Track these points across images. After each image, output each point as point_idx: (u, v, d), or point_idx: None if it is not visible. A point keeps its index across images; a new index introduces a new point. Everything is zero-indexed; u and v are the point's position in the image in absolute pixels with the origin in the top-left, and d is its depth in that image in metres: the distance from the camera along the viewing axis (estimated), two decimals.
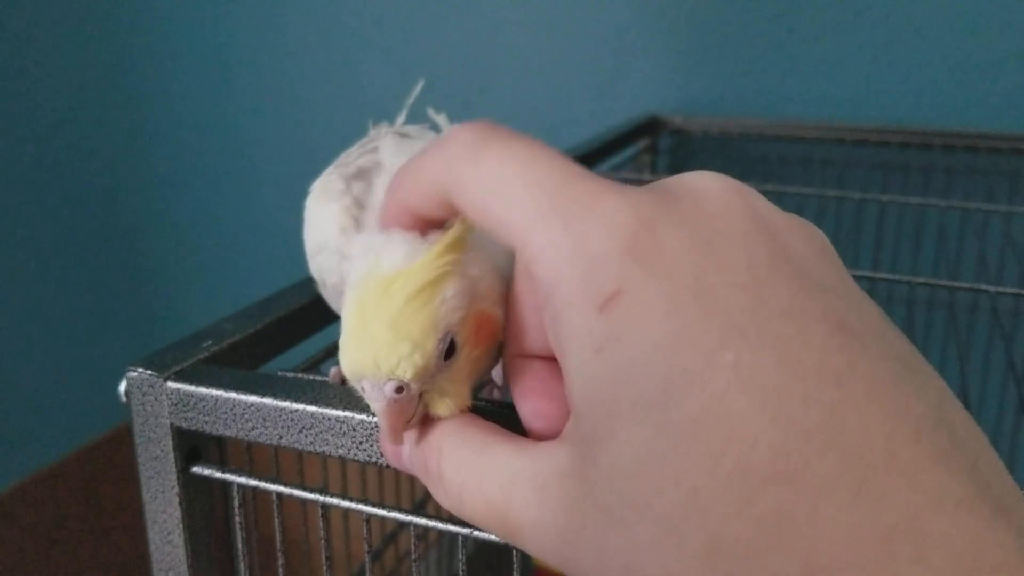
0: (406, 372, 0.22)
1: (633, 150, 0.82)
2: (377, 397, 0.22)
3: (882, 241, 0.69)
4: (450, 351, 0.23)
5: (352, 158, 0.32)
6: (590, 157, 0.72)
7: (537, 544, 0.19)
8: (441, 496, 0.21)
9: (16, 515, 1.08)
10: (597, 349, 0.17)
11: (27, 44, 1.11)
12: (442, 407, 0.23)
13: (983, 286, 0.47)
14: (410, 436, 0.23)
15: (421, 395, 0.23)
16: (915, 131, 0.79)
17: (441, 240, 0.22)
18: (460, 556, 0.31)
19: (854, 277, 0.20)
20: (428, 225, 0.24)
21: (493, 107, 0.97)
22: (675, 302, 0.17)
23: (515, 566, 0.31)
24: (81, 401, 1.16)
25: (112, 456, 1.18)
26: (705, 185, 0.19)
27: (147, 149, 1.22)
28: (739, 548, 0.15)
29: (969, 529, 0.14)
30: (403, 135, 0.32)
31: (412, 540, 0.31)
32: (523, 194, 0.19)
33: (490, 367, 0.25)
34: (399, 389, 0.22)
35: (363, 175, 0.30)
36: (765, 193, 0.21)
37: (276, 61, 1.11)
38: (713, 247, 0.17)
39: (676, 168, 0.87)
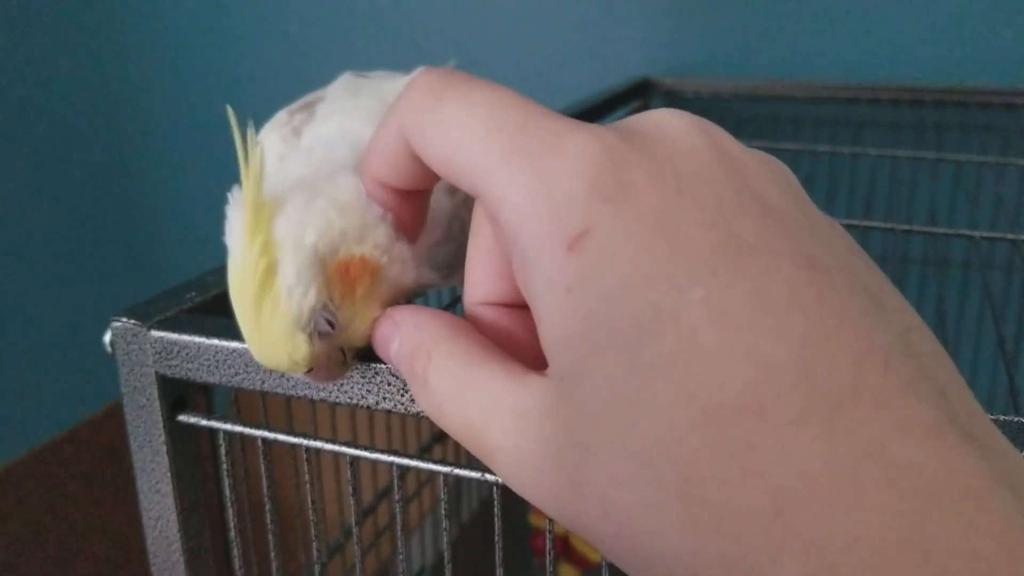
0: (298, 366, 0.24)
1: (624, 112, 0.82)
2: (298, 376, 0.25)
3: (874, 195, 0.69)
4: (329, 323, 0.23)
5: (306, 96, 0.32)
6: (581, 119, 0.71)
7: (510, 472, 0.19)
8: (422, 401, 0.21)
9: (13, 492, 1.08)
10: (567, 289, 0.17)
11: None
12: (361, 340, 0.24)
13: (973, 232, 0.47)
14: (399, 331, 0.22)
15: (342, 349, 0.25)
16: (906, 88, 0.78)
17: (244, 227, 0.23)
18: (442, 496, 0.31)
19: (845, 226, 0.20)
20: (408, 200, 0.24)
21: (484, 70, 0.97)
22: (644, 240, 0.17)
23: (496, 526, 0.31)
24: (76, 377, 1.17)
25: (108, 432, 1.19)
26: (670, 123, 0.19)
27: (134, 107, 1.22)
28: (713, 481, 0.15)
29: (938, 455, 0.15)
30: (360, 75, 0.32)
31: (395, 481, 0.31)
32: (485, 139, 0.19)
33: (397, 284, 0.25)
34: (308, 370, 0.24)
35: (307, 107, 0.30)
36: (756, 149, 0.20)
37: (270, 13, 1.10)
38: (680, 185, 0.17)
39: None
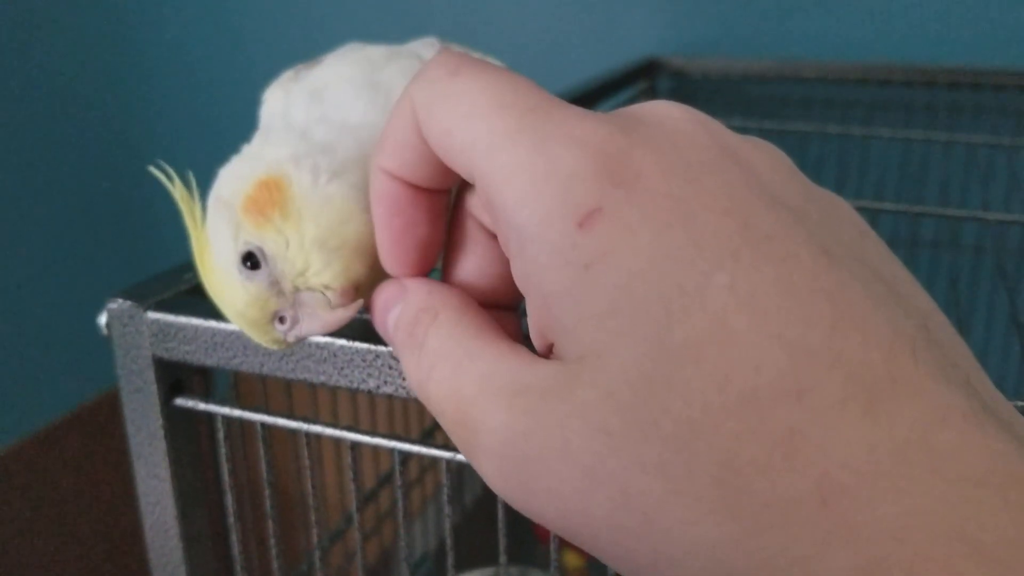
0: (259, 320, 0.24)
1: (631, 93, 0.81)
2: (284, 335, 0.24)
3: (885, 178, 0.68)
4: (252, 260, 0.23)
5: None
6: (586, 100, 0.70)
7: (492, 457, 0.18)
8: (411, 367, 0.20)
9: (8, 480, 1.08)
10: (586, 265, 0.17)
11: None
12: (328, 273, 0.24)
13: (986, 214, 0.46)
14: (406, 295, 0.21)
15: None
16: (918, 69, 0.77)
17: (183, 210, 0.25)
18: (445, 482, 0.30)
19: (855, 209, 0.19)
20: (420, 203, 0.21)
21: (488, 48, 0.96)
22: (661, 224, 0.16)
23: (500, 513, 0.31)
24: (71, 364, 1.16)
25: (106, 419, 1.18)
26: (670, 114, 0.19)
27: (135, 88, 1.21)
28: (753, 467, 0.15)
29: (977, 441, 0.14)
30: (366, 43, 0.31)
31: (397, 467, 0.31)
32: (491, 115, 0.18)
33: (329, 197, 0.24)
34: (281, 320, 0.24)
35: (313, 65, 0.29)
36: (765, 131, 0.20)
37: None
38: (690, 174, 0.17)
39: None
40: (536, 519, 0.17)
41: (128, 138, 1.23)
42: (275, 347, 0.25)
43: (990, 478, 0.14)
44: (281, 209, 0.23)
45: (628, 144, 0.17)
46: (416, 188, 0.21)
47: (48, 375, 1.16)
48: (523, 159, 0.17)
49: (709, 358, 0.15)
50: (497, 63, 0.32)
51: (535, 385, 0.17)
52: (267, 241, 0.23)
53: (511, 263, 0.18)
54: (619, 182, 0.17)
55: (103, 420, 1.18)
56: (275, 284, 0.23)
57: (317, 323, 0.24)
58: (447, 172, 0.20)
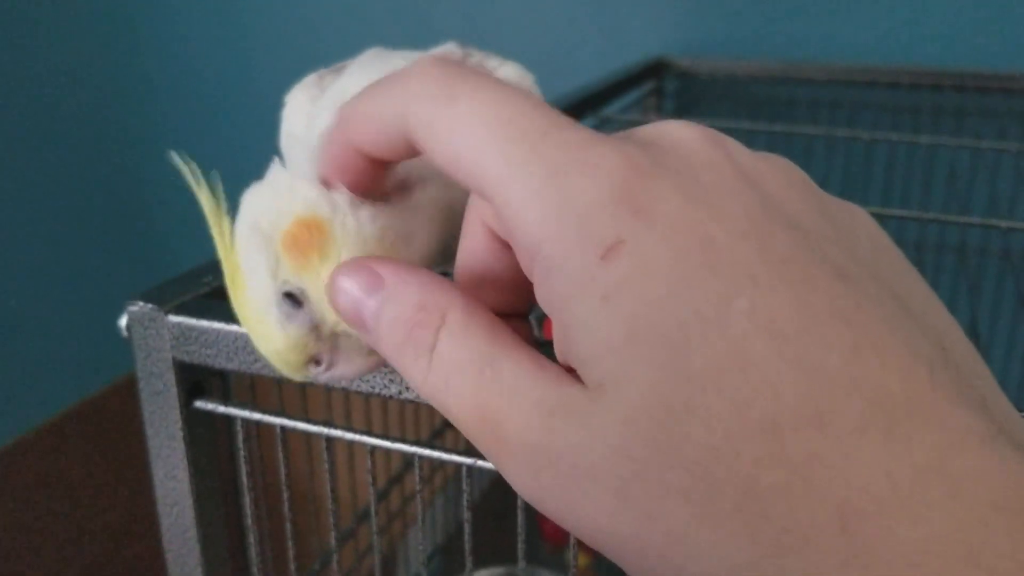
0: (293, 362, 0.23)
1: (638, 93, 0.81)
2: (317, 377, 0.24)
3: (892, 181, 0.68)
4: (293, 299, 0.22)
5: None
6: (594, 100, 0.71)
7: (522, 467, 0.18)
8: (417, 373, 0.19)
9: (19, 470, 1.08)
10: (604, 297, 0.17)
11: None
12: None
13: (994, 221, 0.46)
14: (387, 286, 0.20)
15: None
16: (926, 71, 0.77)
17: (210, 220, 0.23)
18: (465, 487, 0.31)
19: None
20: (373, 167, 0.22)
21: (495, 49, 0.96)
22: (680, 251, 0.16)
23: (519, 518, 0.31)
24: (83, 351, 1.16)
25: (117, 408, 1.19)
26: (684, 136, 0.19)
27: (145, 79, 1.21)
28: (774, 493, 0.15)
29: (994, 464, 0.15)
30: (389, 49, 0.31)
31: (417, 471, 0.31)
32: (502, 142, 0.18)
33: (367, 243, 0.23)
34: (316, 362, 0.23)
35: (337, 70, 0.29)
36: (773, 134, 0.20)
37: None
38: (707, 198, 0.17)
39: (683, 111, 0.86)
40: (570, 531, 0.18)
41: (129, 129, 1.23)
42: (300, 379, 0.25)
43: (1007, 503, 0.14)
44: (320, 251, 0.23)
45: (645, 170, 0.17)
46: (373, 159, 0.22)
47: (55, 367, 1.16)
48: (539, 191, 0.17)
49: (729, 384, 0.15)
50: (513, 67, 0.32)
51: (560, 406, 0.17)
52: (308, 285, 0.23)
53: (535, 289, 0.18)
54: (638, 210, 0.17)
55: (110, 412, 1.18)
56: (315, 328, 0.23)
57: (352, 368, 0.23)
58: (409, 156, 0.21)
